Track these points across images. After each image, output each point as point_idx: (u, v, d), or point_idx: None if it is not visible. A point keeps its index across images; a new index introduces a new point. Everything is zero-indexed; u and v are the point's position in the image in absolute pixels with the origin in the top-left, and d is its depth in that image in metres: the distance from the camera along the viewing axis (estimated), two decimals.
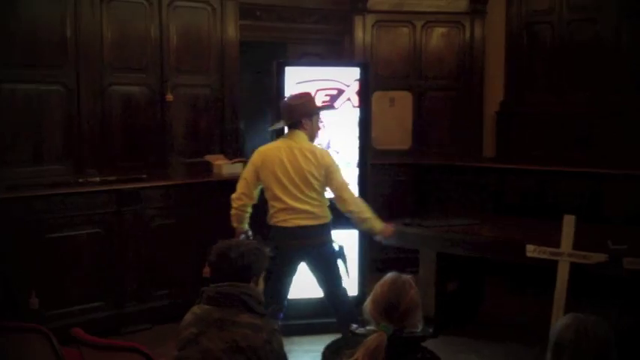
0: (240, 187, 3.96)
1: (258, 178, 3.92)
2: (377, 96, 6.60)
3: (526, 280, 5.39)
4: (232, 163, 5.48)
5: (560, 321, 2.01)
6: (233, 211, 3.99)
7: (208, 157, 5.55)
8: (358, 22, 6.62)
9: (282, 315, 3.95)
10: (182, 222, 5.05)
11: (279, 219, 3.89)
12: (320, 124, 4.13)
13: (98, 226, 4.71)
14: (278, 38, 6.47)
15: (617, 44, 6.04)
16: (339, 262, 4.02)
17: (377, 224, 3.98)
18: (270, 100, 5.01)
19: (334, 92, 4.96)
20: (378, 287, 2.27)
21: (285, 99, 4.13)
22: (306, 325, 4.65)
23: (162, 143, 5.42)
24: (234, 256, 2.49)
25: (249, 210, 3.99)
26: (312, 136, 4.01)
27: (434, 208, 6.23)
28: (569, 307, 3.60)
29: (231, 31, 5.76)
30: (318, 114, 4.05)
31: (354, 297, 4.49)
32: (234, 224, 4.02)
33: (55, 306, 4.47)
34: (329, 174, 3.86)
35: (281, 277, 3.91)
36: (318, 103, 4.87)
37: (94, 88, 5.08)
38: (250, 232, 4.03)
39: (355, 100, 4.98)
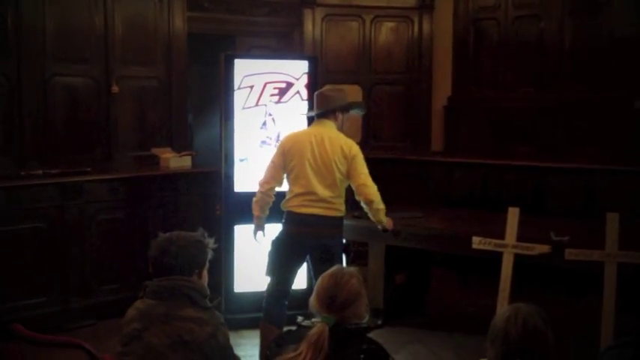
0: (268, 170, 3.97)
1: (285, 162, 3.91)
2: None
3: (473, 271, 5.50)
4: (180, 156, 5.42)
5: (500, 310, 2.05)
6: (258, 196, 3.97)
7: (155, 151, 5.47)
8: (308, 15, 6.61)
9: (286, 303, 3.95)
10: (128, 216, 4.97)
11: (295, 204, 3.88)
12: (347, 123, 4.12)
13: (41, 220, 4.60)
14: (227, 31, 6.41)
15: (560, 41, 6.18)
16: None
17: (385, 216, 4.03)
18: (219, 92, 4.95)
19: (283, 85, 4.95)
20: (319, 280, 2.27)
21: (322, 89, 4.18)
22: (256, 319, 4.62)
23: (107, 136, 5.32)
24: (176, 250, 2.46)
25: (274, 197, 3.97)
26: (339, 130, 4.01)
27: (383, 202, 6.28)
28: (515, 297, 3.68)
29: (179, 22, 5.68)
30: (349, 111, 4.07)
31: (303, 290, 4.51)
32: (257, 212, 3.99)
33: None
34: (354, 164, 3.85)
35: (288, 264, 3.93)
36: (267, 96, 4.88)
37: (36, 79, 4.96)
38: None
39: (304, 93, 4.97)
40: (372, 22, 6.78)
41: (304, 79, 4.97)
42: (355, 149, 3.90)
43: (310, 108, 4.45)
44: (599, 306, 3.63)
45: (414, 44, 6.82)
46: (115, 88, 5.29)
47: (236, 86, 4.79)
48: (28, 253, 4.55)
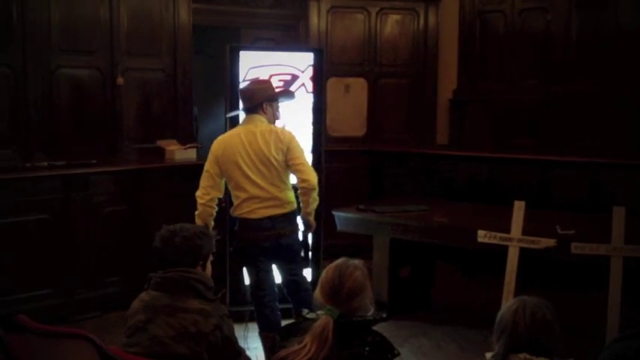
0: (204, 180, 3.76)
1: (221, 170, 3.73)
2: (332, 82, 6.60)
3: (478, 265, 5.48)
4: (185, 148, 5.41)
5: (506, 303, 2.05)
6: (199, 209, 3.74)
7: (160, 143, 5.46)
8: (313, 7, 6.59)
9: (277, 303, 3.84)
10: (133, 208, 4.97)
11: (245, 210, 3.71)
12: (278, 113, 3.96)
13: (46, 212, 4.60)
14: (232, 22, 6.40)
15: (566, 33, 6.15)
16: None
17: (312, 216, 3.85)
18: (225, 84, 4.94)
19: (288, 77, 4.93)
20: (324, 272, 2.27)
21: (245, 84, 4.03)
22: None
23: (112, 128, 5.32)
24: (179, 241, 2.46)
25: (216, 206, 3.79)
26: (270, 123, 3.89)
27: (388, 195, 6.28)
28: (520, 291, 3.67)
29: (184, 14, 5.66)
30: (277, 100, 3.92)
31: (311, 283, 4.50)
32: (200, 224, 3.72)
33: (2, 293, 4.36)
34: (290, 150, 3.69)
35: (259, 271, 3.76)
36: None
37: (42, 70, 4.94)
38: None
39: (309, 85, 4.96)
40: (377, 14, 6.75)
41: (309, 72, 4.95)
42: (289, 135, 3.74)
43: (234, 106, 4.34)
44: (605, 300, 3.62)
45: (420, 37, 6.80)
46: (120, 80, 5.28)
47: (241, 78, 4.78)
48: (33, 245, 4.55)
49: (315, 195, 3.74)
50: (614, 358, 1.39)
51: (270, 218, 3.69)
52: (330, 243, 5.18)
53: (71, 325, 4.47)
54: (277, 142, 3.70)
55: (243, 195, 3.71)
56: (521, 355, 1.92)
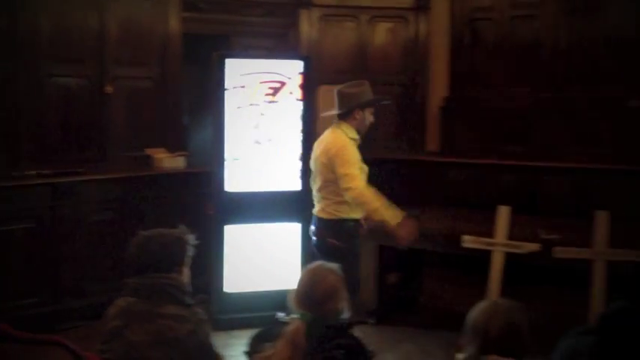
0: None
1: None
2: (323, 90, 6.61)
3: (467, 270, 5.48)
4: (174, 156, 5.42)
5: (478, 305, 2.05)
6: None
7: (149, 151, 5.47)
8: (304, 15, 6.61)
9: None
10: (120, 217, 4.97)
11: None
12: (371, 117, 3.95)
13: (33, 220, 4.60)
14: (222, 31, 6.40)
15: (555, 41, 6.17)
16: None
17: (386, 216, 3.72)
18: (212, 92, 4.95)
19: (277, 85, 4.95)
20: (300, 276, 2.27)
21: (341, 87, 3.95)
22: (247, 319, 4.62)
23: (101, 136, 5.33)
24: (155, 247, 2.46)
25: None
26: (360, 129, 3.90)
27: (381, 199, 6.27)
28: (506, 294, 3.66)
29: (174, 23, 5.69)
30: (372, 106, 3.92)
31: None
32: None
33: None
34: (334, 164, 3.72)
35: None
36: (261, 95, 4.87)
37: (31, 79, 4.96)
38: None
39: (298, 93, 4.98)
40: (368, 22, 6.77)
41: (298, 79, 4.97)
42: (335, 148, 3.74)
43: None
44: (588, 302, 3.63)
45: (411, 44, 6.81)
46: (109, 89, 5.30)
47: (229, 85, 4.79)
48: (19, 254, 4.56)
49: (367, 207, 3.75)
50: (567, 354, 1.40)
51: (317, 218, 3.94)
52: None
53: (57, 334, 4.45)
54: (327, 151, 3.84)
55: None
56: (491, 358, 1.92)
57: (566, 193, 5.42)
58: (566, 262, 3.72)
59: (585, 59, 5.99)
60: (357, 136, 3.86)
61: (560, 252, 3.67)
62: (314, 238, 3.90)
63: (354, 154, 3.76)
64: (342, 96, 3.84)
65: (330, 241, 3.77)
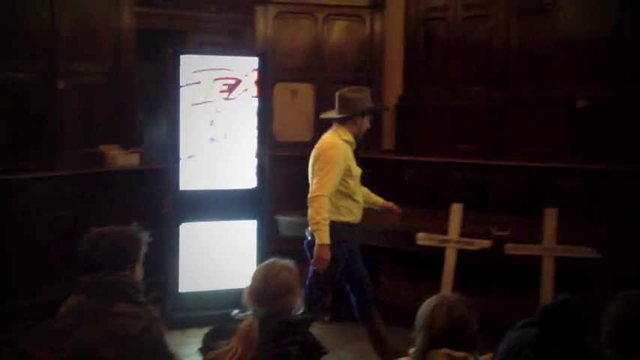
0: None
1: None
2: (278, 88, 6.64)
3: (422, 267, 5.56)
4: (128, 153, 5.35)
5: (427, 300, 2.10)
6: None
7: (102, 148, 5.39)
8: (259, 12, 6.60)
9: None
10: (73, 214, 4.89)
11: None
12: (368, 123, 3.92)
13: None
14: (177, 27, 6.35)
15: (507, 41, 6.30)
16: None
17: (320, 233, 3.66)
18: (167, 88, 4.91)
19: (232, 82, 4.93)
20: (254, 273, 2.28)
21: (343, 90, 3.89)
22: (202, 317, 4.60)
23: (53, 132, 5.23)
24: (107, 245, 2.44)
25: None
26: (357, 134, 3.87)
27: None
28: (459, 291, 3.73)
29: (127, 17, 5.62)
30: (374, 113, 3.97)
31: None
32: None
33: None
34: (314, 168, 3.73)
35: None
36: (216, 92, 4.85)
37: None
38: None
39: (254, 90, 4.96)
40: (324, 20, 6.81)
41: (253, 76, 4.96)
42: (320, 149, 3.75)
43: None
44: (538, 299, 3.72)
45: (366, 43, 6.88)
46: (61, 84, 5.21)
47: (184, 82, 4.75)
48: None
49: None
50: (511, 346, 1.45)
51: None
52: (276, 248, 5.17)
53: (11, 334, 4.36)
54: (314, 155, 3.81)
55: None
56: (442, 351, 1.97)
57: (517, 191, 5.56)
58: (517, 259, 3.80)
59: (535, 59, 6.14)
60: (352, 139, 3.85)
61: (511, 249, 3.75)
62: (309, 238, 3.82)
63: (336, 157, 3.72)
64: (344, 100, 3.82)
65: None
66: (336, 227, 3.71)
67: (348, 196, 3.78)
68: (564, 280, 3.75)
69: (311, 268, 3.76)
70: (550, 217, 3.72)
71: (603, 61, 5.79)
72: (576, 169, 5.47)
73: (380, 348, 3.99)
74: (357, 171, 3.88)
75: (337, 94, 3.86)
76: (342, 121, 3.81)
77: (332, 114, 3.90)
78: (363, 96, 3.84)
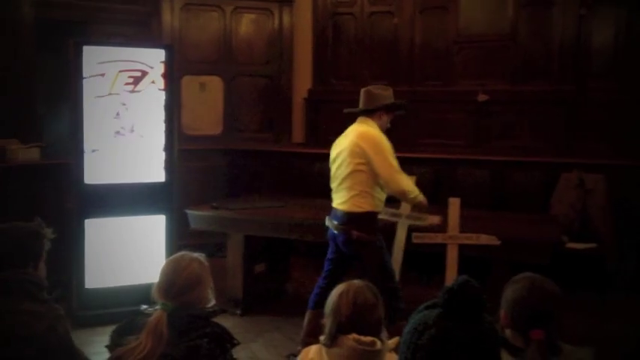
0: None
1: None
2: (186, 81, 6.55)
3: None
4: (28, 148, 5.14)
5: (336, 287, 2.14)
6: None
7: (1, 142, 5.15)
8: (166, 4, 6.49)
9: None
10: None
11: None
12: (388, 123, 3.93)
13: None
14: (80, 17, 6.14)
15: (411, 37, 6.48)
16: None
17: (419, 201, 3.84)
18: (69, 81, 4.74)
19: (138, 74, 4.82)
20: (162, 266, 2.25)
21: (369, 87, 3.96)
22: (110, 315, 4.49)
23: None
24: (9, 241, 2.36)
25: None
26: (382, 130, 3.85)
27: (244, 193, 6.31)
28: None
29: (26, 6, 5.39)
30: (397, 109, 3.93)
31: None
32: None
33: None
34: (369, 155, 3.69)
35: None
36: (121, 84, 4.74)
37: None
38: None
39: (161, 82, 4.88)
40: (232, 13, 6.76)
41: (160, 68, 4.87)
42: (363, 140, 3.72)
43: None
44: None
45: (275, 36, 6.89)
46: None
47: (87, 74, 4.60)
48: None
49: (406, 196, 3.81)
50: (416, 327, 1.51)
51: (335, 209, 3.89)
52: (185, 243, 5.11)
53: None
54: (357, 142, 3.76)
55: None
56: (350, 336, 2.01)
57: (424, 182, 5.71)
58: (425, 247, 3.91)
59: (439, 55, 6.34)
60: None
61: (418, 237, 3.87)
62: (334, 232, 3.82)
63: (385, 140, 3.78)
64: (370, 94, 3.88)
65: (356, 234, 3.73)
66: (373, 217, 3.79)
67: (382, 188, 3.80)
68: (468, 266, 3.91)
69: (369, 267, 3.75)
70: (453, 207, 3.86)
71: (502, 56, 6.06)
72: (478, 160, 5.70)
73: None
74: None
75: (363, 90, 3.95)
76: (367, 114, 3.87)
77: (356, 108, 3.97)
78: (388, 94, 3.92)
